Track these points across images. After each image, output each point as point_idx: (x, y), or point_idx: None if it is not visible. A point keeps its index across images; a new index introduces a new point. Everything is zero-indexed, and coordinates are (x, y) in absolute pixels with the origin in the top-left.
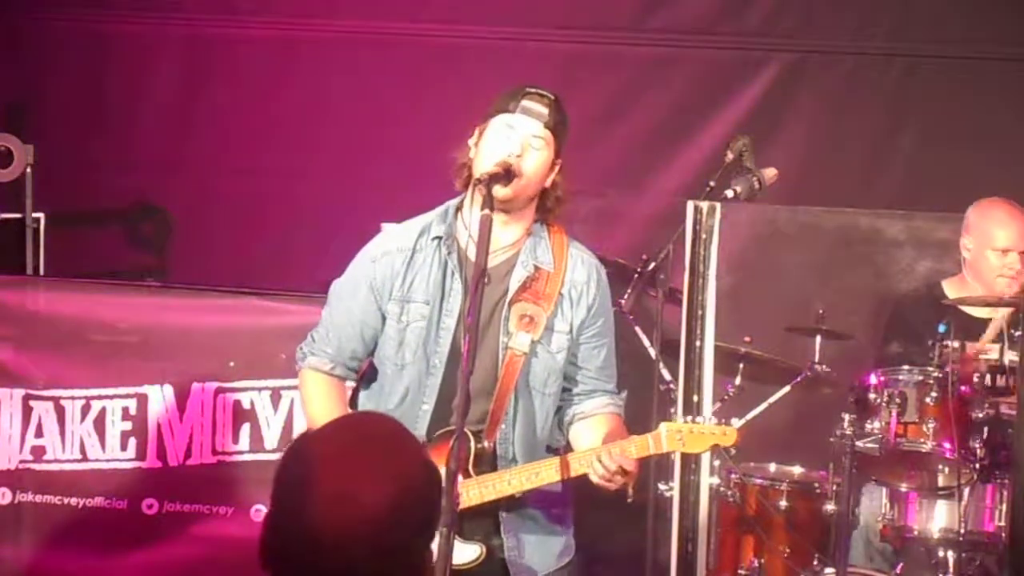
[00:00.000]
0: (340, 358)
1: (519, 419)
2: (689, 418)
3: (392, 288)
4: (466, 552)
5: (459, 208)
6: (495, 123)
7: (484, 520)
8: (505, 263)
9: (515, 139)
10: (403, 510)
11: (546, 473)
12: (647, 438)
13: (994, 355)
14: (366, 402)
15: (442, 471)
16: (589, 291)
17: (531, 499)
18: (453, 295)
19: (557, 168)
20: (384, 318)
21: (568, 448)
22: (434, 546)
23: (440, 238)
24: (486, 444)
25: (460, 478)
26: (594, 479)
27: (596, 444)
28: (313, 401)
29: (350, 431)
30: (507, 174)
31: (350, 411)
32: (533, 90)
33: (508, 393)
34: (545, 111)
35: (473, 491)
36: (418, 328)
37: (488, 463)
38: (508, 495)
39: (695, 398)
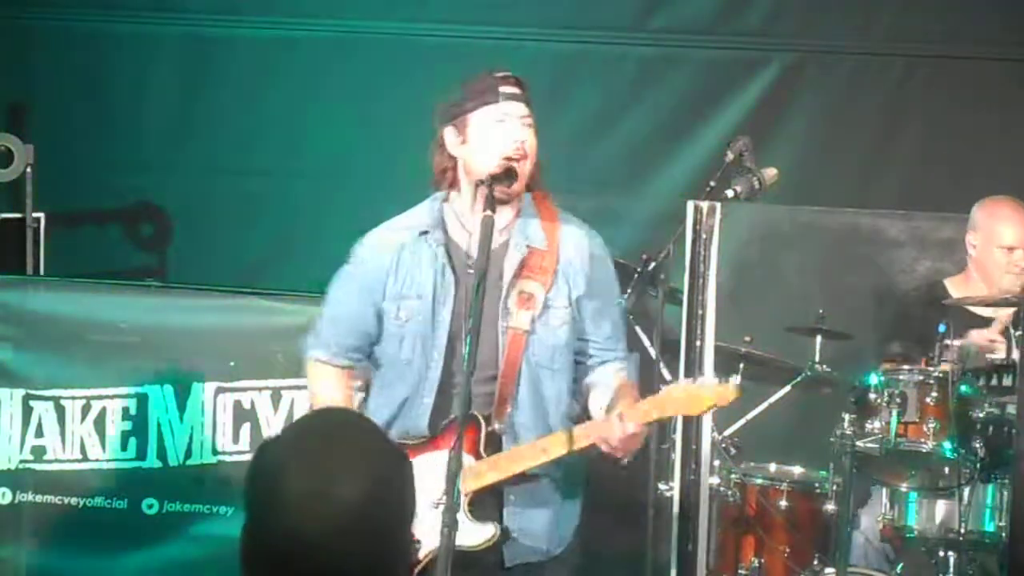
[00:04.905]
0: (339, 351)
1: (528, 398)
2: (689, 380)
3: (385, 286)
4: (481, 533)
5: (446, 199)
6: (481, 119)
7: (491, 499)
8: (499, 247)
9: (514, 126)
10: (378, 501)
11: (554, 448)
12: (643, 403)
13: (1000, 354)
14: (374, 405)
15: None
16: (584, 263)
17: (538, 478)
18: (446, 287)
19: None
20: (380, 317)
21: (585, 418)
22: (436, 543)
23: (427, 232)
24: (496, 426)
25: (472, 460)
26: (603, 448)
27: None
28: (316, 390)
29: (315, 429)
30: (508, 174)
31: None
32: (501, 74)
33: (514, 373)
34: (521, 91)
35: (486, 471)
36: (415, 324)
37: (497, 444)
38: (520, 473)
39: None
